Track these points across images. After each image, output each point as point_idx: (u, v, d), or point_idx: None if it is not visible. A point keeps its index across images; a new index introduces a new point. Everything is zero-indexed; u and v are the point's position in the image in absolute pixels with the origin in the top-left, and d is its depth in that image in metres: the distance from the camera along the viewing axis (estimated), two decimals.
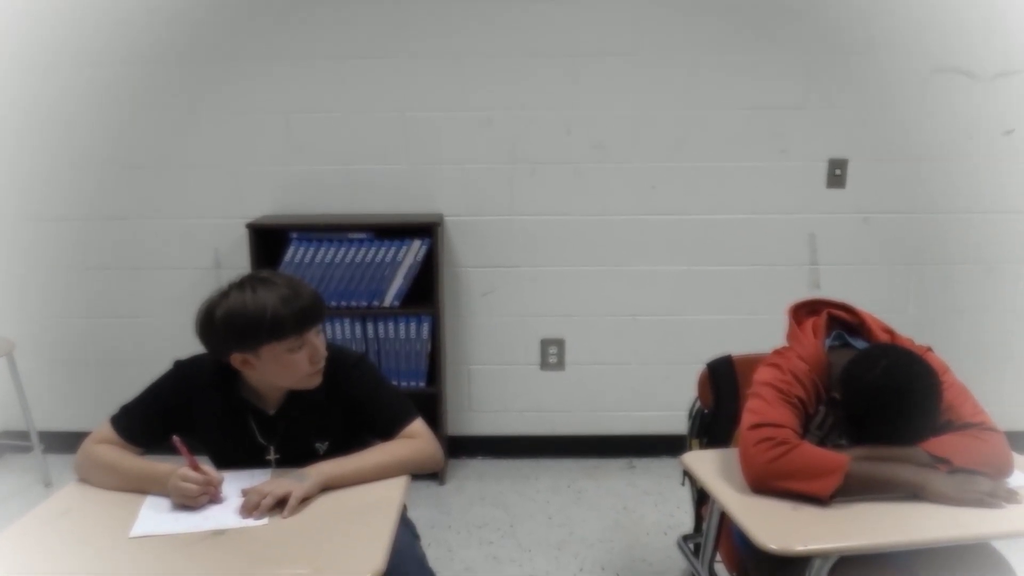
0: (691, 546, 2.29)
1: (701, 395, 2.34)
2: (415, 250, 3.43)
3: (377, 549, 1.54)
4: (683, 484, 2.30)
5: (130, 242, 3.65)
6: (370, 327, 3.49)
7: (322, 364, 1.89)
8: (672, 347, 3.74)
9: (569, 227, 3.64)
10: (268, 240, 3.43)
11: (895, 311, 3.57)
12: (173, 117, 3.54)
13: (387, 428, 1.95)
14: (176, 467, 1.75)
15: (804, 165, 3.59)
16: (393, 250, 3.43)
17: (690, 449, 2.29)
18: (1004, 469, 1.79)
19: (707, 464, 1.95)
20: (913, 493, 1.72)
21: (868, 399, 1.79)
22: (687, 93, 3.52)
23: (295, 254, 3.40)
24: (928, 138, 3.56)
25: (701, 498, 2.29)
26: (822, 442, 1.89)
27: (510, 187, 3.60)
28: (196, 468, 1.74)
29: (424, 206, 3.61)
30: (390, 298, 3.47)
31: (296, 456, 1.88)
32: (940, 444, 1.76)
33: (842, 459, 1.72)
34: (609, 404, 3.82)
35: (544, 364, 3.78)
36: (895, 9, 3.44)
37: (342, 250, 3.41)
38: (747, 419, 1.86)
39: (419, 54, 3.48)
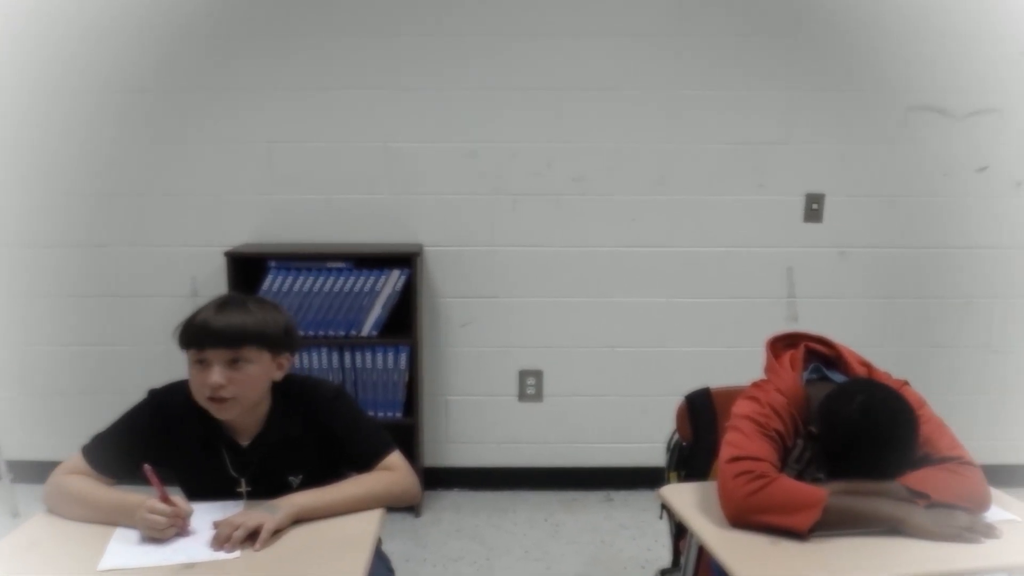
0: None
1: (679, 428, 2.33)
2: (394, 280, 3.42)
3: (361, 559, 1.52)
4: (661, 517, 2.29)
5: (107, 269, 3.61)
6: (347, 357, 3.47)
7: (222, 397, 1.81)
8: (651, 379, 3.74)
9: (549, 259, 3.65)
10: (246, 269, 3.41)
11: (871, 345, 3.55)
12: (154, 145, 3.52)
13: (365, 461, 1.93)
14: (145, 498, 1.71)
15: (782, 199, 3.62)
16: (372, 280, 3.41)
17: (668, 482, 2.28)
18: (982, 503, 1.79)
19: (685, 497, 1.94)
20: (892, 527, 1.71)
21: (845, 435, 1.78)
22: (667, 127, 3.55)
23: (273, 283, 3.38)
24: (904, 174, 3.60)
25: (679, 532, 2.27)
26: (800, 476, 1.89)
27: (490, 218, 3.60)
28: (166, 499, 1.70)
29: (404, 236, 3.60)
30: (368, 328, 3.45)
31: (269, 489, 1.84)
32: (918, 478, 1.76)
33: (820, 493, 1.72)
34: (587, 436, 3.80)
35: (522, 395, 3.76)
36: (872, 49, 3.50)
37: (320, 279, 3.40)
38: (725, 452, 1.85)
39: (402, 86, 3.49)
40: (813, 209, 3.63)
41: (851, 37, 3.49)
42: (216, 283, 3.48)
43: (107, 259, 3.60)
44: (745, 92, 3.53)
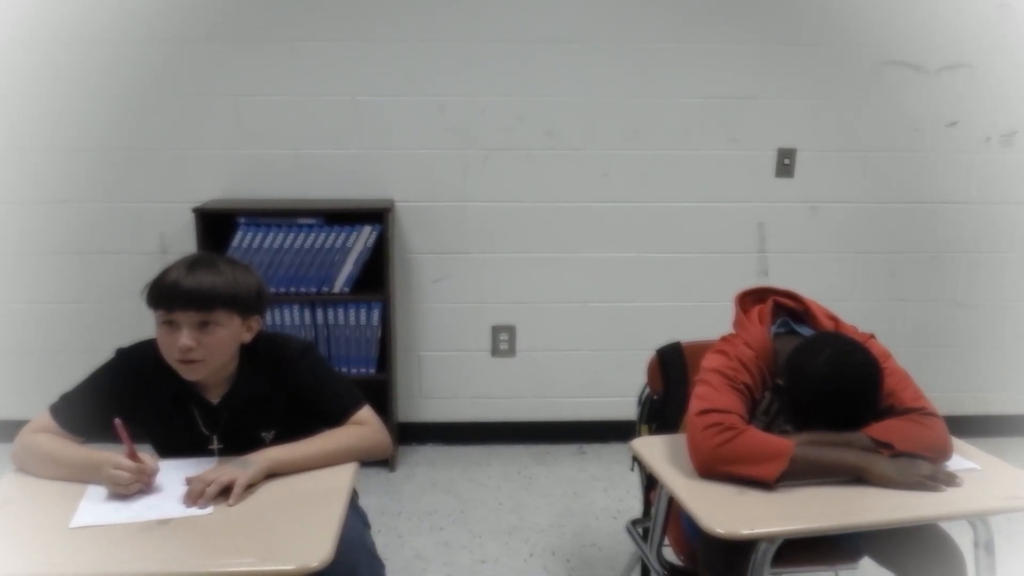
0: (640, 531, 2.31)
1: (650, 381, 2.35)
2: (365, 236, 3.40)
3: (325, 538, 1.53)
4: (632, 469, 2.31)
5: (73, 226, 3.55)
6: (320, 313, 3.45)
7: (191, 359, 1.81)
8: (622, 334, 3.76)
9: (521, 214, 3.64)
10: (216, 225, 3.37)
11: (840, 299, 3.62)
12: (119, 99, 3.45)
13: (335, 417, 1.94)
14: (112, 455, 1.71)
15: (754, 154, 3.62)
16: (343, 236, 3.39)
17: (639, 435, 2.30)
18: (944, 453, 1.83)
19: (656, 449, 1.97)
20: (857, 477, 1.75)
21: (811, 387, 1.82)
22: (639, 81, 3.53)
23: (243, 239, 3.35)
24: (875, 129, 3.62)
25: (650, 483, 2.31)
26: (768, 428, 1.92)
27: (462, 173, 3.58)
28: (133, 455, 1.70)
29: (375, 192, 3.57)
30: (340, 284, 3.43)
31: (241, 446, 1.84)
32: (883, 429, 1.79)
33: (787, 444, 1.75)
34: (560, 390, 3.83)
35: (495, 351, 3.78)
36: (844, 3, 3.48)
37: (291, 235, 3.37)
38: (695, 405, 1.88)
39: (371, 38, 3.44)
40: (785, 164, 3.64)
41: None
42: (185, 240, 3.44)
43: (72, 215, 3.54)
44: (717, 46, 3.51)
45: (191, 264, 1.84)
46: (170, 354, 1.82)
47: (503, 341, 3.76)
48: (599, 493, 3.41)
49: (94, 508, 1.65)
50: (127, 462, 1.69)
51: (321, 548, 1.50)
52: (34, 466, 1.81)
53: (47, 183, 3.51)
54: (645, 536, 2.25)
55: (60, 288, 3.62)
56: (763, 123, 3.59)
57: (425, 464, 3.66)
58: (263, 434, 1.93)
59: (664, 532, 2.06)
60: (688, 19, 3.48)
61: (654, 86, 3.53)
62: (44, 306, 3.64)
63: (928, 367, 3.53)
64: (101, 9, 3.36)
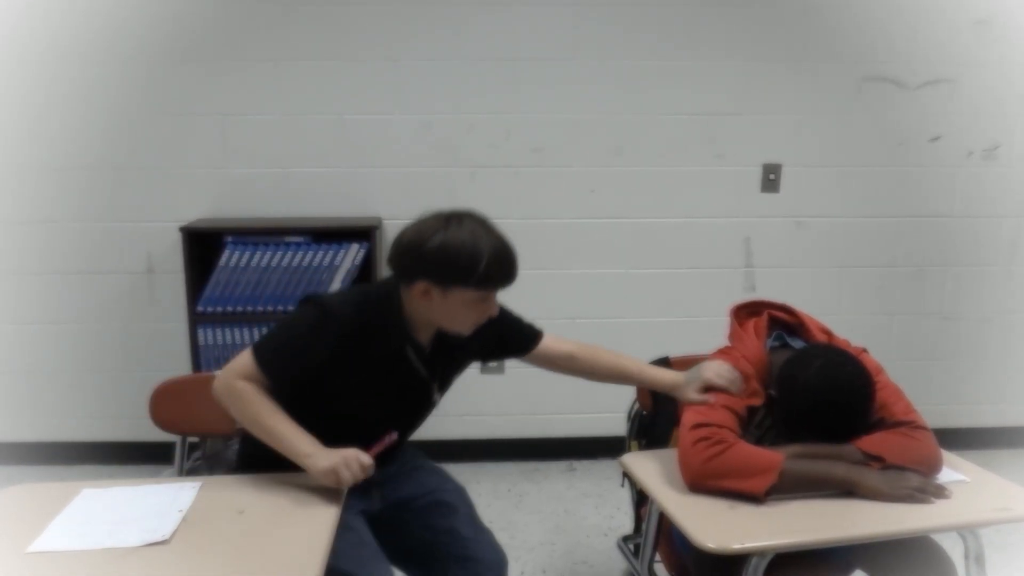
0: (631, 547, 2.31)
1: (640, 397, 2.36)
2: (353, 254, 3.40)
3: (312, 564, 1.51)
4: (623, 485, 2.31)
5: (60, 246, 3.53)
6: None
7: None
8: (610, 349, 3.75)
9: (508, 230, 3.61)
10: (203, 244, 3.36)
11: (827, 313, 3.58)
12: (105, 118, 3.44)
13: (535, 339, 2.27)
14: (319, 450, 1.73)
15: (739, 170, 3.64)
16: (331, 254, 3.39)
17: (629, 451, 2.31)
18: (934, 466, 1.83)
19: (646, 465, 1.97)
20: (847, 490, 1.75)
21: (803, 398, 1.82)
22: (625, 98, 3.55)
23: (230, 258, 3.34)
24: (859, 144, 3.65)
25: (640, 499, 2.31)
26: (759, 441, 1.92)
27: (449, 190, 3.58)
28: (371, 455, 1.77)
29: (362, 210, 3.57)
30: None
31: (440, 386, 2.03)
32: (873, 442, 1.80)
33: (776, 457, 1.75)
34: (549, 407, 3.83)
35: (484, 368, 3.76)
36: (827, 19, 3.52)
37: (279, 254, 3.36)
38: (688, 419, 1.88)
39: (358, 57, 3.45)
40: (770, 179, 3.66)
41: (806, 7, 3.50)
42: (173, 259, 3.42)
43: (58, 235, 3.52)
44: (702, 63, 3.53)
45: (499, 245, 1.91)
46: (474, 321, 1.91)
47: None
48: (590, 510, 3.40)
49: (59, 533, 1.62)
50: (369, 460, 1.74)
51: (310, 568, 1.48)
52: (237, 413, 1.81)
53: (33, 202, 3.49)
54: (636, 552, 2.24)
55: (46, 308, 3.58)
56: (748, 139, 3.61)
57: None
58: (453, 376, 2.10)
59: (655, 548, 2.05)
60: (673, 37, 3.50)
61: (640, 103, 3.55)
62: (29, 327, 3.59)
63: (915, 380, 3.52)
64: (87, 29, 3.35)
